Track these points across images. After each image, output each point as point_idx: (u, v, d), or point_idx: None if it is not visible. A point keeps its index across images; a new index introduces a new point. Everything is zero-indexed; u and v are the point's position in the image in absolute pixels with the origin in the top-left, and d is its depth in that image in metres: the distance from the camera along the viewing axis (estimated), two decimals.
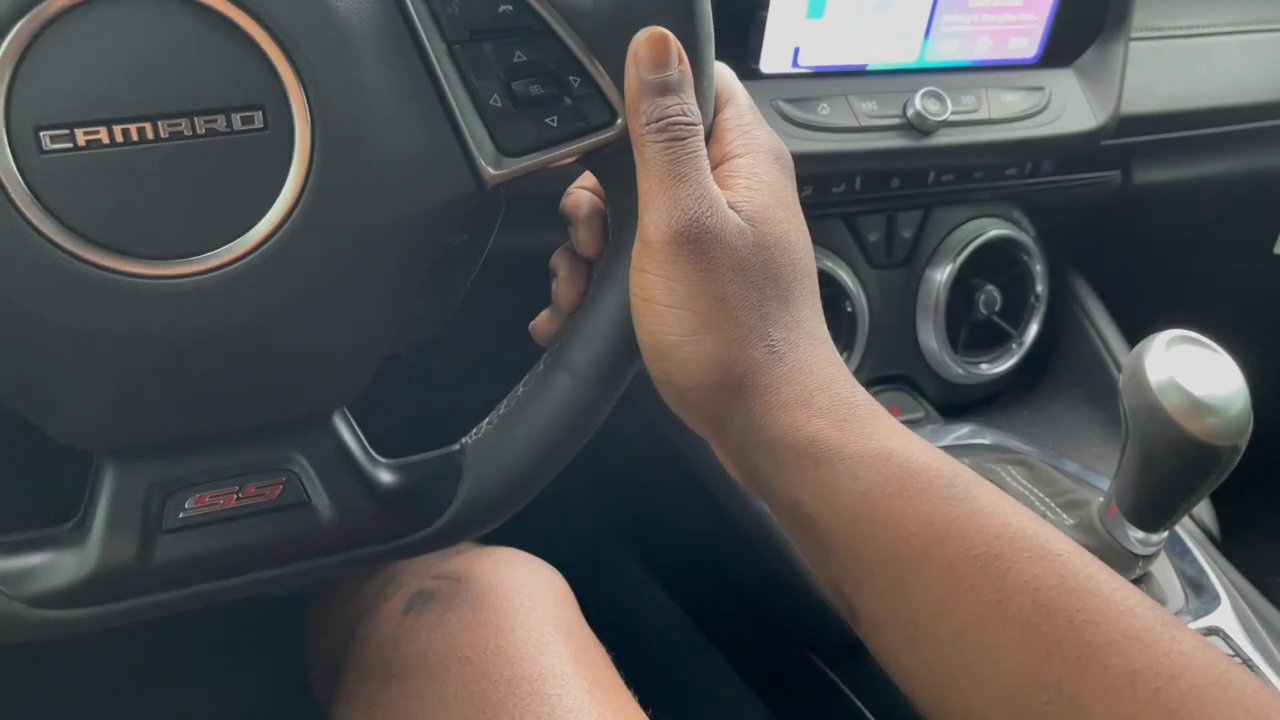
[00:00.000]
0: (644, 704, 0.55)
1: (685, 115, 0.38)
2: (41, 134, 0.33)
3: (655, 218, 0.38)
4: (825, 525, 0.37)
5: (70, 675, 0.85)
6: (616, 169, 0.41)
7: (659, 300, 0.38)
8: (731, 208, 0.38)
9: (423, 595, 0.56)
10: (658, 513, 0.83)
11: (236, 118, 0.35)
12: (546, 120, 0.39)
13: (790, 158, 0.42)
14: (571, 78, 0.39)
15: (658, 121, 0.38)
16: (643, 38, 0.38)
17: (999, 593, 0.33)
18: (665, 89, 0.38)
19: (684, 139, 0.38)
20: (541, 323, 0.45)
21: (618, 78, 0.39)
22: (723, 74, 0.42)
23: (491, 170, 0.39)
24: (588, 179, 0.45)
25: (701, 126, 0.39)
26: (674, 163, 0.38)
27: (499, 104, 0.38)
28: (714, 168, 0.40)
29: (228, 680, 0.90)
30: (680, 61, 0.39)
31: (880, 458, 0.36)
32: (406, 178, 0.38)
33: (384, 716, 0.51)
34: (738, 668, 0.82)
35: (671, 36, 0.38)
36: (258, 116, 0.35)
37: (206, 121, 0.35)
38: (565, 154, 0.40)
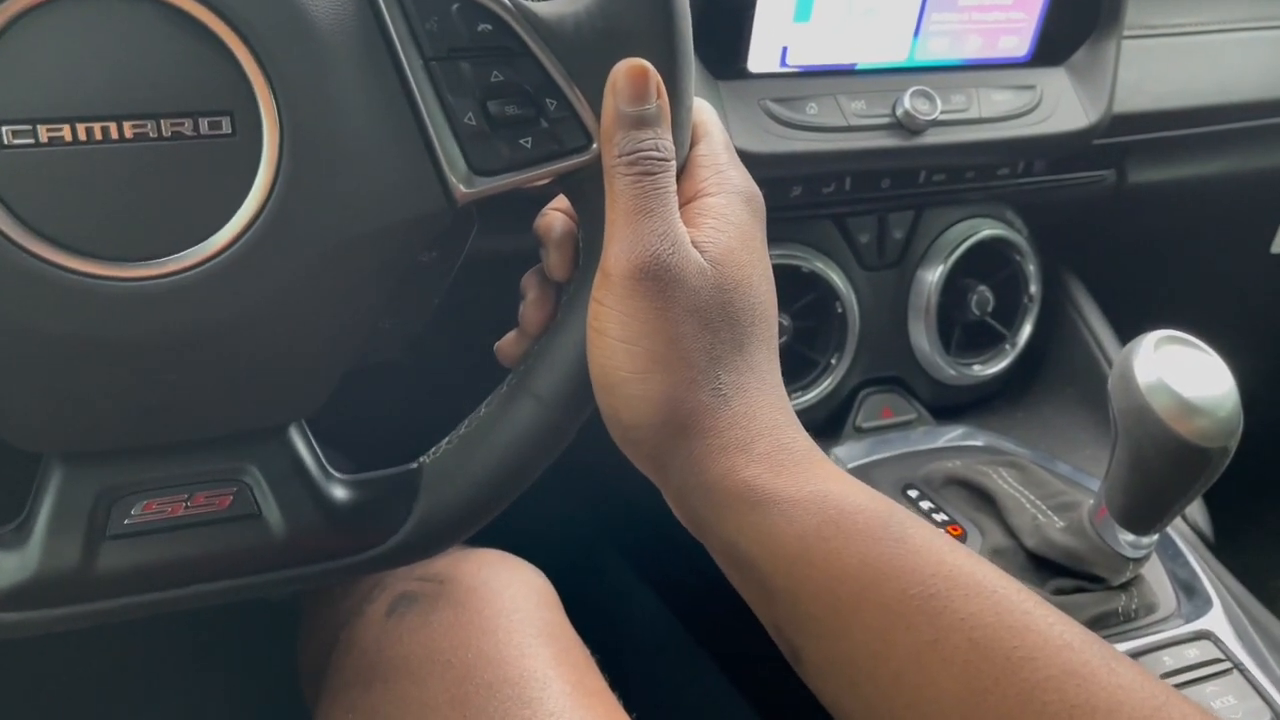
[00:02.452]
0: (631, 708, 0.54)
1: (658, 150, 0.38)
2: (3, 128, 0.33)
3: (617, 251, 0.38)
4: (763, 569, 0.37)
5: (58, 678, 0.85)
6: (589, 194, 0.41)
7: (612, 334, 0.38)
8: (696, 247, 0.38)
9: (406, 598, 0.55)
10: (647, 515, 0.82)
11: (204, 122, 0.35)
12: (521, 141, 0.39)
13: (762, 201, 0.41)
14: (548, 100, 0.39)
15: (630, 154, 0.38)
16: (623, 69, 0.38)
17: (936, 631, 0.34)
18: (641, 122, 0.38)
19: (654, 174, 0.38)
20: (507, 344, 0.45)
21: (595, 103, 0.39)
22: (701, 109, 0.42)
23: (463, 189, 0.38)
24: (562, 201, 0.44)
25: (674, 162, 0.39)
26: (642, 197, 0.38)
27: (473, 123, 0.38)
28: (684, 204, 0.40)
29: (220, 683, 0.90)
30: (659, 95, 0.39)
31: (816, 501, 0.37)
32: (376, 192, 0.37)
33: None
34: (727, 671, 0.82)
35: (652, 70, 0.38)
36: (225, 122, 0.35)
37: (173, 124, 0.34)
38: (538, 176, 0.40)
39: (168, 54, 0.34)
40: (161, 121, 0.34)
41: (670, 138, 0.39)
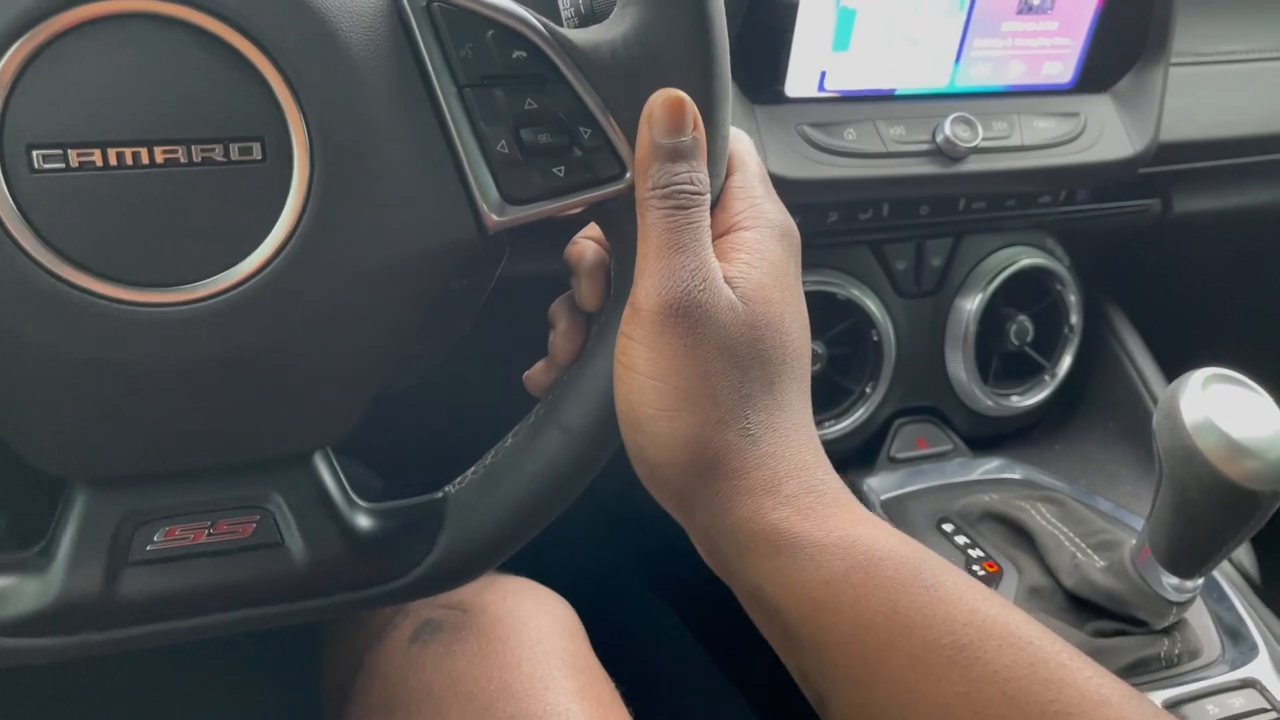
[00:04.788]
0: None
1: (693, 184, 0.37)
2: (34, 153, 0.33)
3: (648, 286, 0.37)
4: (789, 615, 0.36)
5: (77, 695, 0.85)
6: (621, 224, 0.40)
7: (640, 370, 0.37)
8: (728, 282, 0.37)
9: (430, 625, 0.55)
10: (674, 546, 0.81)
11: (234, 148, 0.34)
12: (554, 170, 0.38)
13: (798, 236, 0.41)
14: (582, 129, 0.38)
15: (664, 188, 0.37)
16: (659, 100, 0.37)
17: (968, 684, 0.32)
18: (676, 155, 0.37)
19: (688, 209, 0.37)
20: (536, 373, 0.44)
21: (629, 132, 0.39)
22: (737, 139, 0.41)
23: (495, 217, 0.38)
24: (594, 229, 0.44)
25: (708, 196, 0.38)
26: (674, 231, 0.37)
27: (506, 151, 0.38)
28: (717, 237, 0.39)
29: (241, 708, 0.89)
30: (695, 127, 0.38)
31: (845, 546, 0.35)
32: (406, 220, 0.37)
33: None
34: (753, 704, 0.80)
35: (689, 101, 0.37)
36: (256, 148, 0.35)
37: (203, 150, 0.34)
38: (570, 205, 0.39)
39: (199, 79, 0.34)
40: (192, 147, 0.34)
41: (706, 170, 0.38)
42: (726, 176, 0.41)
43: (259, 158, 0.35)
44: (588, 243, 0.43)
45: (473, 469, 0.43)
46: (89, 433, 0.37)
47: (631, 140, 0.39)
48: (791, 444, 0.38)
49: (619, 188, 0.39)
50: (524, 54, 0.37)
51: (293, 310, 0.36)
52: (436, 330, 0.46)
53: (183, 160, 0.34)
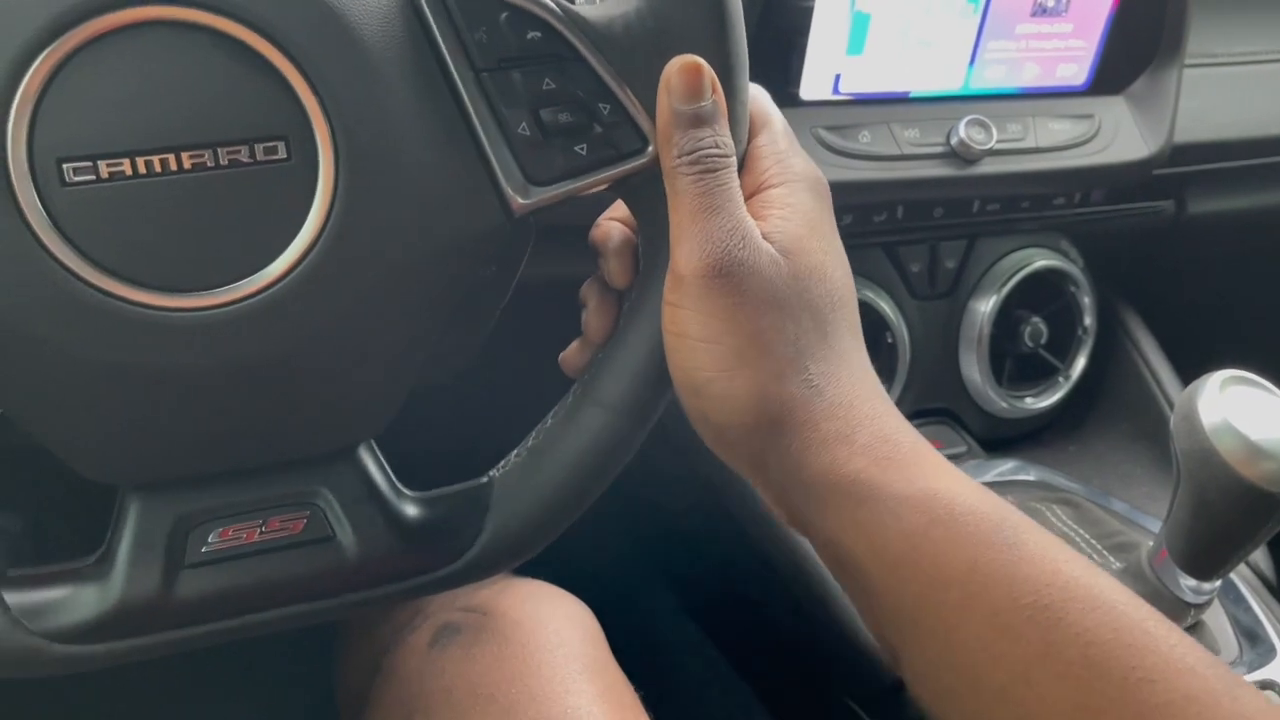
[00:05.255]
0: None
1: (718, 147, 0.37)
2: (64, 166, 0.33)
3: (687, 251, 0.37)
4: (866, 568, 0.36)
5: (93, 703, 0.86)
6: (647, 197, 0.40)
7: (692, 335, 0.37)
8: (765, 239, 0.37)
9: (449, 629, 0.55)
10: (693, 549, 0.81)
11: (259, 149, 0.35)
12: (576, 148, 0.38)
13: (827, 185, 0.41)
14: (601, 105, 0.38)
15: (690, 154, 0.37)
16: (675, 66, 0.37)
17: (1048, 645, 0.32)
18: (698, 120, 0.37)
19: (716, 171, 0.37)
20: (571, 354, 0.44)
21: (648, 105, 0.39)
22: (758, 98, 0.41)
23: (520, 200, 0.38)
24: (618, 209, 0.44)
25: (734, 158, 0.38)
26: (706, 195, 0.37)
27: (527, 132, 0.38)
28: (748, 198, 0.39)
29: (258, 713, 0.89)
30: (714, 91, 0.38)
31: (925, 499, 0.35)
32: (433, 208, 0.37)
33: None
34: (772, 710, 0.80)
35: (705, 65, 0.37)
36: (281, 147, 0.35)
37: (229, 153, 0.34)
38: (595, 182, 0.39)
39: (221, 82, 0.34)
40: (218, 150, 0.34)
41: (729, 133, 0.38)
42: (751, 137, 0.40)
43: (284, 157, 0.35)
44: (612, 223, 0.43)
45: (515, 452, 0.43)
46: (135, 440, 0.37)
47: (651, 113, 0.38)
48: (858, 393, 0.37)
49: (642, 161, 0.39)
50: (538, 34, 0.37)
51: (327, 305, 0.36)
52: (467, 319, 0.47)
53: (210, 164, 0.34)
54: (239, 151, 0.34)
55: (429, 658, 0.54)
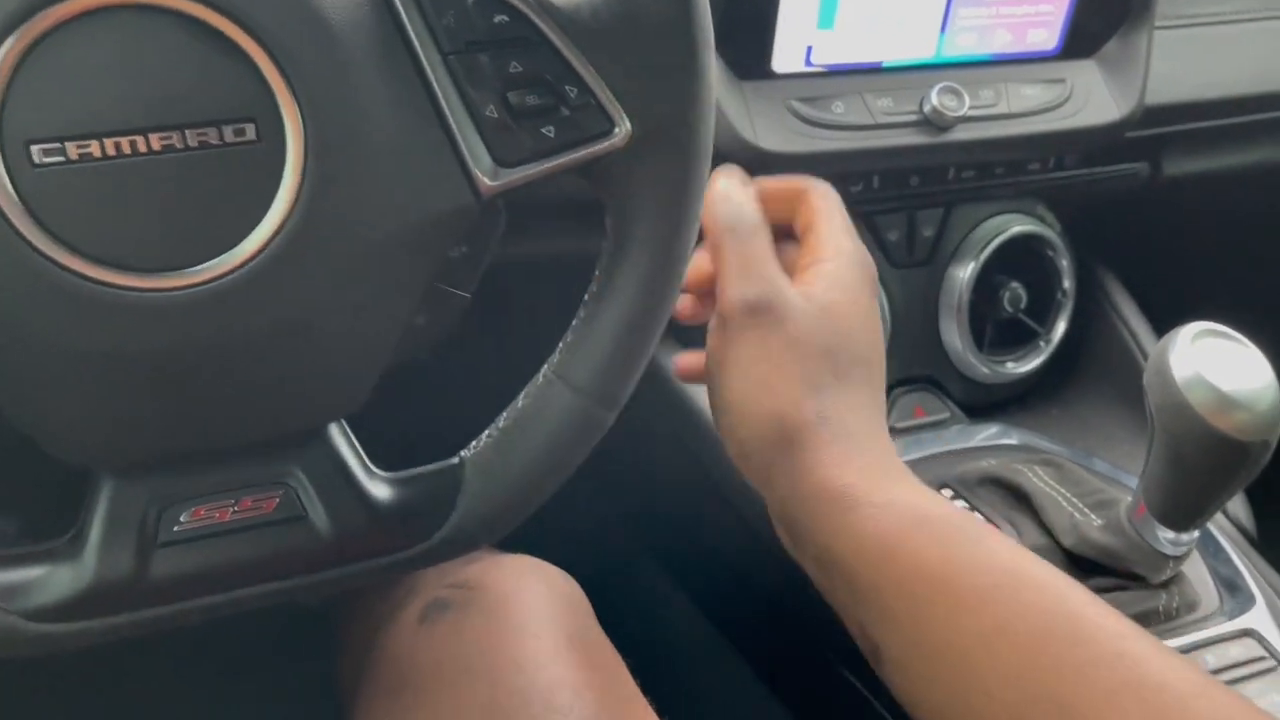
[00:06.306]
0: (663, 713, 0.54)
1: (749, 218, 0.46)
2: (33, 148, 0.33)
3: (730, 295, 0.44)
4: (852, 567, 0.41)
5: (91, 695, 0.86)
6: (614, 178, 0.41)
7: (728, 362, 0.44)
8: (808, 298, 0.44)
9: (437, 604, 0.56)
10: (683, 523, 0.82)
11: (228, 130, 0.35)
12: (543, 130, 0.39)
13: (874, 265, 0.48)
14: (568, 88, 0.39)
15: (729, 227, 0.45)
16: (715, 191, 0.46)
17: (1002, 618, 0.38)
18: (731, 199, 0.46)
19: (750, 238, 0.45)
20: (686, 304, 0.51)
21: (615, 87, 0.39)
22: (826, 195, 0.48)
23: (488, 181, 0.38)
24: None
25: (764, 224, 0.45)
26: (744, 257, 0.45)
27: (495, 114, 0.38)
28: (806, 267, 0.46)
29: (257, 697, 0.90)
30: (747, 184, 0.46)
31: (905, 506, 0.42)
32: (402, 190, 0.38)
33: None
34: (767, 682, 0.81)
35: (715, 196, 0.46)
36: (249, 129, 0.35)
37: (198, 134, 0.35)
38: (562, 164, 0.40)
39: (190, 65, 0.34)
40: (187, 132, 0.34)
41: (753, 205, 0.45)
42: (814, 227, 0.47)
43: (253, 139, 0.35)
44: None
45: (486, 432, 0.44)
46: (109, 421, 0.38)
47: (617, 96, 0.39)
48: (860, 431, 0.44)
49: (609, 143, 0.40)
50: (506, 18, 0.38)
51: (296, 286, 0.37)
52: (439, 300, 0.47)
53: (179, 146, 0.34)
54: (208, 133, 0.35)
55: (418, 634, 0.55)
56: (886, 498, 0.41)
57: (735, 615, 0.84)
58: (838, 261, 0.46)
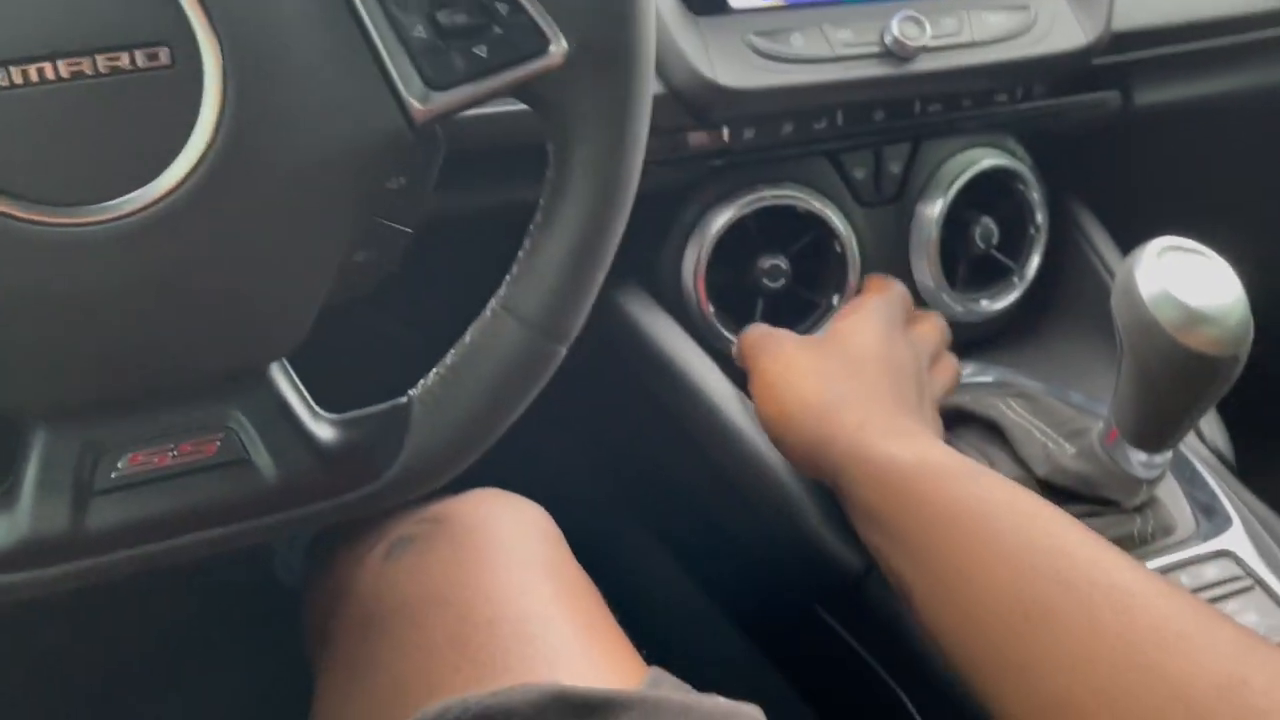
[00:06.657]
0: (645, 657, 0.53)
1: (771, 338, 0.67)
2: None
3: (774, 346, 0.64)
4: (877, 504, 0.52)
5: (61, 670, 0.85)
6: (553, 100, 0.40)
7: (773, 372, 0.62)
8: (836, 332, 0.65)
9: (402, 540, 0.55)
10: (659, 475, 0.81)
11: (140, 55, 0.34)
12: (475, 50, 0.38)
13: (901, 319, 0.68)
14: (499, 4, 0.38)
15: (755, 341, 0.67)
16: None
17: (992, 536, 0.47)
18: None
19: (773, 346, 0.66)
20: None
21: (547, 1, 0.38)
22: (891, 283, 0.71)
23: (420, 105, 0.37)
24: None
25: (785, 335, 0.67)
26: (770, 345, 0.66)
27: (423, 35, 0.37)
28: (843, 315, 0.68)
29: (240, 669, 0.89)
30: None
31: (920, 455, 0.52)
32: (329, 116, 0.36)
33: (365, 669, 0.51)
34: (738, 621, 0.81)
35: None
36: (163, 53, 0.34)
37: (109, 60, 0.33)
38: (498, 86, 0.39)
39: None
40: (97, 57, 0.33)
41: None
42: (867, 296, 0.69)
43: (168, 64, 0.34)
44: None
45: (434, 370, 0.43)
46: (34, 366, 0.37)
47: (550, 10, 0.38)
48: (879, 423, 0.56)
49: (544, 62, 0.39)
50: None
51: (223, 218, 0.36)
52: (379, 235, 0.46)
53: (89, 72, 0.33)
54: (119, 59, 0.34)
55: (383, 572, 0.54)
56: (911, 454, 0.52)
57: (707, 559, 0.83)
58: (875, 304, 0.67)
